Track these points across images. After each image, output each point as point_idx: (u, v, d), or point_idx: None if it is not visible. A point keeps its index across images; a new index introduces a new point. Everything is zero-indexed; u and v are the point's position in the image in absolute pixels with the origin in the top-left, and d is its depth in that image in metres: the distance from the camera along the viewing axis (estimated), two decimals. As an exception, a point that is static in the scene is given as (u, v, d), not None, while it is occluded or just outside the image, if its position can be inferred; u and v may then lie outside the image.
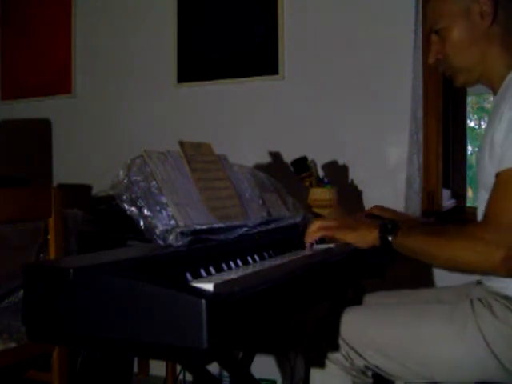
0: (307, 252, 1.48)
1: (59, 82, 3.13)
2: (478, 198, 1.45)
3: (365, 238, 1.41)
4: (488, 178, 1.31)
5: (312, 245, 1.51)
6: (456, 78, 1.48)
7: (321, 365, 1.42)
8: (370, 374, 1.41)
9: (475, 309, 1.33)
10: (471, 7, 1.39)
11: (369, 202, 2.41)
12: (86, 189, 2.95)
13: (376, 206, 1.71)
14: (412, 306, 1.49)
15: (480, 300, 1.35)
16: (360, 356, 1.38)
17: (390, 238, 1.36)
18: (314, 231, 1.48)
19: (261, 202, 1.64)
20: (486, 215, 1.28)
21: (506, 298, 1.33)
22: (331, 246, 1.48)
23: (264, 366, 2.54)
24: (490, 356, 1.28)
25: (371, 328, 1.40)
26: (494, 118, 1.35)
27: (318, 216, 1.88)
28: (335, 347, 1.40)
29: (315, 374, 1.44)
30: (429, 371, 1.35)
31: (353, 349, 1.38)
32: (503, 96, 1.35)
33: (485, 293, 1.40)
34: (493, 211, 1.26)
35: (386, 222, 1.41)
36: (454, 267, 1.35)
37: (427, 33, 1.51)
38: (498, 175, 1.27)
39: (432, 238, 1.32)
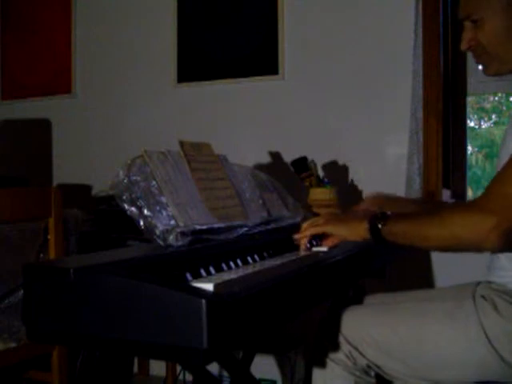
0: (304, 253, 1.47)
1: (59, 82, 3.13)
2: None
3: (355, 229, 1.39)
4: None
5: (309, 247, 1.48)
6: (489, 67, 1.42)
7: (323, 365, 1.41)
8: (372, 374, 1.41)
9: (478, 306, 1.33)
10: None
11: (369, 201, 2.42)
12: (86, 189, 2.95)
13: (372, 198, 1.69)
14: (413, 304, 1.48)
15: (483, 297, 1.35)
16: (362, 355, 1.38)
17: (379, 226, 1.33)
18: (303, 231, 1.48)
19: (261, 201, 1.64)
20: (484, 189, 1.25)
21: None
22: (325, 249, 1.45)
23: (264, 366, 2.53)
24: (492, 353, 1.28)
25: (373, 327, 1.40)
26: None
27: (317, 216, 1.87)
28: (338, 347, 1.39)
29: (318, 374, 1.44)
30: (430, 370, 1.35)
31: (355, 348, 1.38)
32: None
33: (488, 290, 1.39)
34: (492, 182, 1.24)
35: (377, 212, 1.38)
36: (445, 246, 1.29)
37: (460, 19, 1.44)
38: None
39: (422, 220, 1.30)
